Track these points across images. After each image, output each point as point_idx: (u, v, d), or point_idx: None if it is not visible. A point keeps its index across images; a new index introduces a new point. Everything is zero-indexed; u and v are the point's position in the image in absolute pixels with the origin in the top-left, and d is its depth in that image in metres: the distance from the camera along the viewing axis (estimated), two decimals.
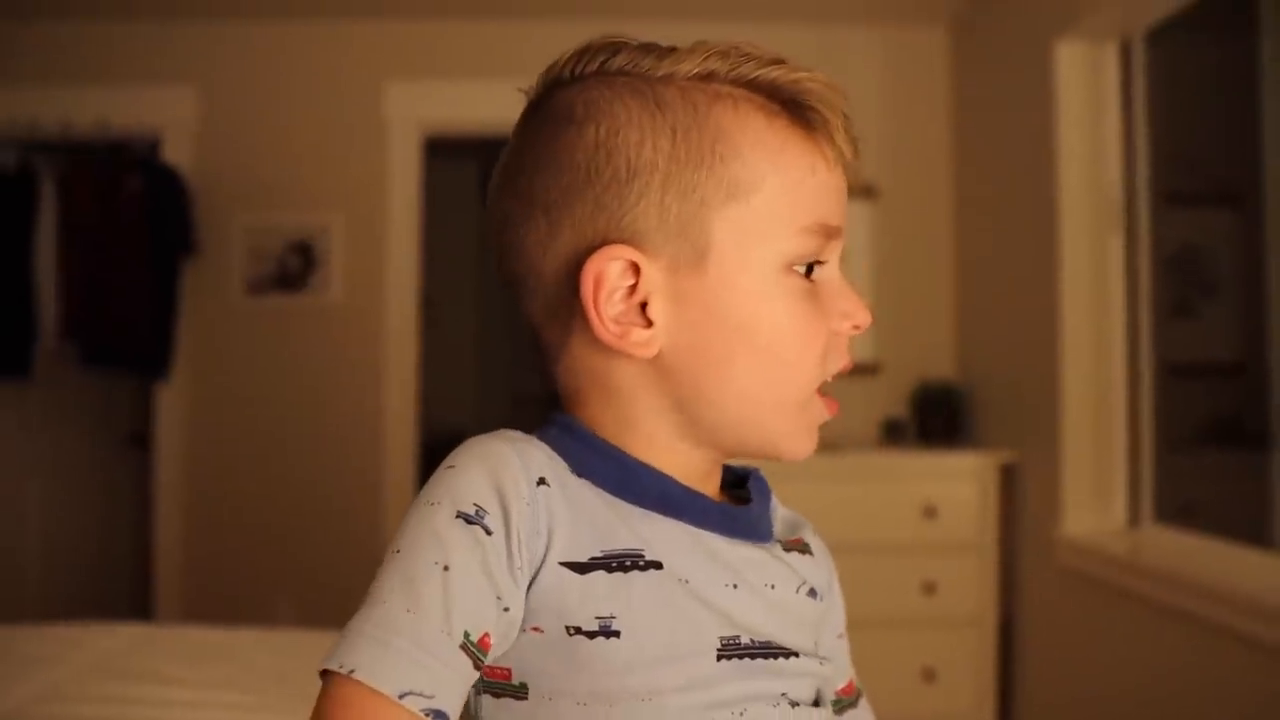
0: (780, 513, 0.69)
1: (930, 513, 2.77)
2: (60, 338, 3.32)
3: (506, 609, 0.55)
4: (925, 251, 3.27)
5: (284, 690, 1.50)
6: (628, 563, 0.57)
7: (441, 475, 0.57)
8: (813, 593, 0.65)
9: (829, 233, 0.61)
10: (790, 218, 0.59)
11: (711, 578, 0.59)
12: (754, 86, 0.60)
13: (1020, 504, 2.79)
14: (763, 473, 0.69)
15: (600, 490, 0.59)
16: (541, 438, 0.61)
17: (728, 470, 0.67)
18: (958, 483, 2.80)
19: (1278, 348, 2.28)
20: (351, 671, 0.52)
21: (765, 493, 0.67)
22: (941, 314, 3.27)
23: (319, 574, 3.30)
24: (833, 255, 0.62)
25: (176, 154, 3.35)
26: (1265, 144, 2.26)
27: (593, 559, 0.57)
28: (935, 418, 3.06)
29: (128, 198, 3.28)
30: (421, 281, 3.44)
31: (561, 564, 0.56)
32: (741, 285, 0.59)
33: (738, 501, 0.66)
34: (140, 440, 3.68)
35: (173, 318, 3.29)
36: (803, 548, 0.67)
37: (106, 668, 1.56)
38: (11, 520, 3.52)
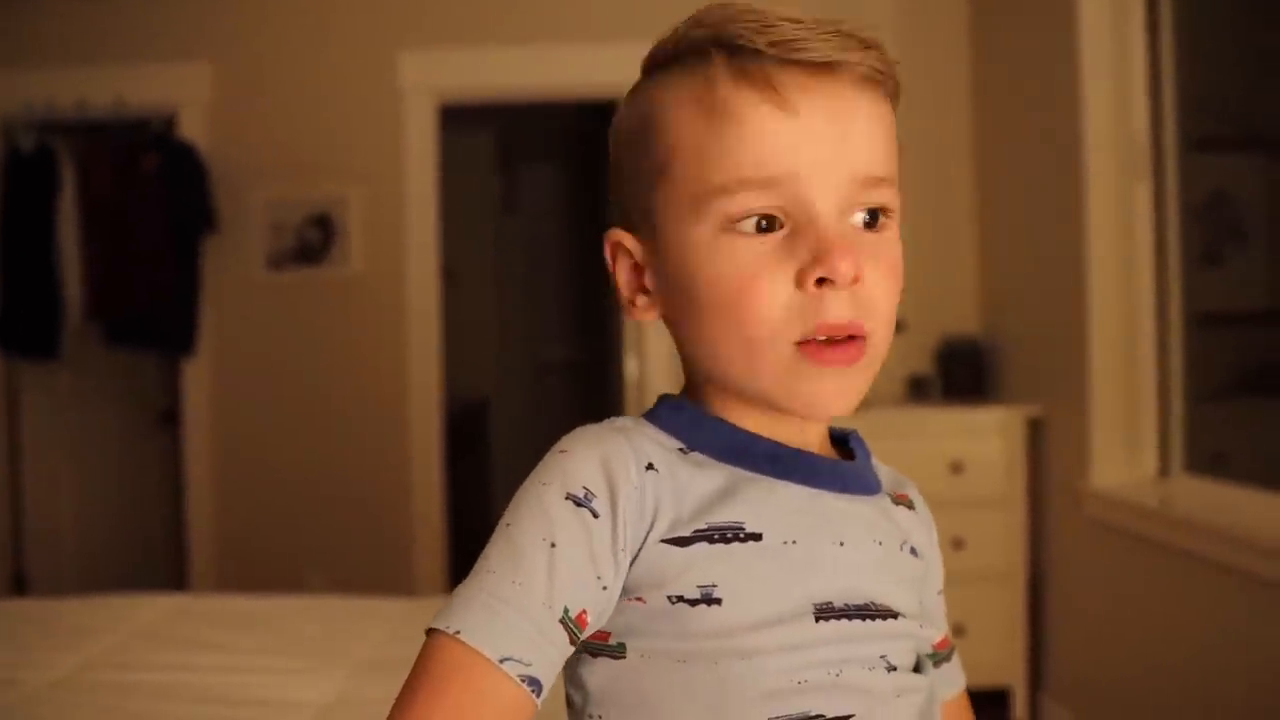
0: (882, 470, 0.71)
1: (957, 468, 2.77)
2: (86, 318, 3.35)
3: (605, 588, 0.58)
4: (947, 206, 3.24)
5: (322, 654, 1.53)
6: (729, 535, 0.59)
7: (554, 458, 0.61)
8: (914, 551, 0.67)
9: (768, 184, 0.58)
10: (713, 180, 0.59)
11: (818, 536, 0.61)
12: (718, 46, 0.60)
13: (1048, 457, 2.78)
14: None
15: (710, 459, 0.62)
16: (652, 420, 0.65)
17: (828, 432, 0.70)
18: (984, 438, 2.79)
19: None
20: (458, 633, 0.56)
21: (866, 450, 0.69)
22: (965, 269, 3.24)
23: (348, 543, 3.34)
24: (806, 204, 0.59)
25: (192, 130, 3.35)
26: None
27: (696, 532, 0.59)
28: (961, 373, 3.04)
29: (146, 176, 3.30)
30: (441, 251, 3.44)
31: (664, 540, 0.59)
32: (679, 251, 0.62)
33: (845, 458, 0.68)
34: (169, 417, 3.72)
35: (195, 294, 3.31)
36: (909, 504, 0.71)
37: (152, 636, 1.60)
38: (46, 499, 3.57)
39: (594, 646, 0.60)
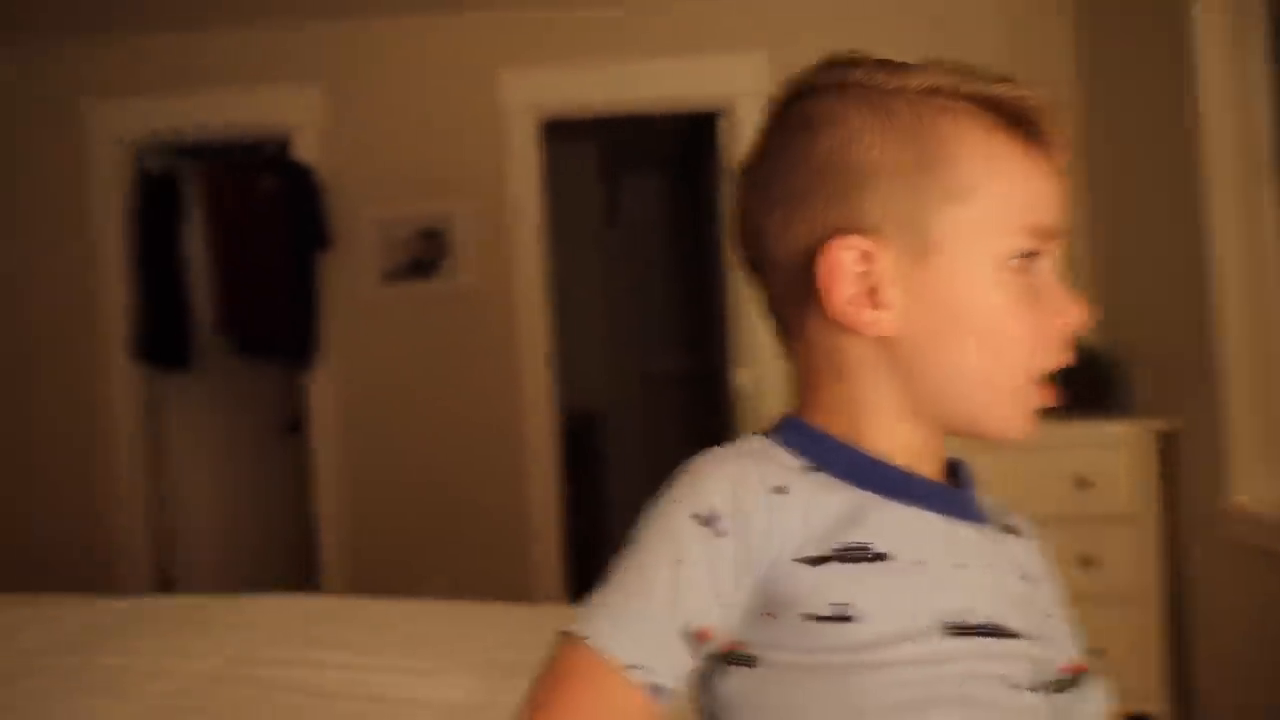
0: (986, 502, 0.73)
1: (1083, 483, 2.65)
2: (214, 332, 3.50)
3: (725, 606, 0.61)
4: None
5: (459, 656, 1.57)
6: (859, 555, 0.62)
7: (685, 478, 0.64)
8: (1025, 576, 0.70)
9: (1042, 234, 0.67)
10: (1004, 219, 0.66)
11: (941, 559, 0.64)
12: (977, 101, 0.67)
13: (1182, 473, 2.64)
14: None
15: (837, 479, 0.65)
16: (776, 440, 0.68)
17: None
18: (1110, 452, 2.67)
19: None
20: (587, 638, 0.59)
21: (972, 479, 0.73)
22: (1080, 280, 3.11)
23: (468, 551, 3.40)
24: (1050, 255, 0.68)
25: (305, 151, 3.46)
26: None
27: (827, 551, 0.62)
28: (1083, 386, 2.92)
29: (265, 196, 3.42)
30: (548, 263, 3.47)
31: (795, 560, 0.62)
32: (961, 277, 0.65)
33: (954, 486, 0.72)
34: (294, 426, 3.85)
35: (314, 309, 3.42)
36: (1016, 531, 0.74)
37: (296, 634, 1.66)
38: (188, 504, 3.72)
39: (725, 655, 0.63)
